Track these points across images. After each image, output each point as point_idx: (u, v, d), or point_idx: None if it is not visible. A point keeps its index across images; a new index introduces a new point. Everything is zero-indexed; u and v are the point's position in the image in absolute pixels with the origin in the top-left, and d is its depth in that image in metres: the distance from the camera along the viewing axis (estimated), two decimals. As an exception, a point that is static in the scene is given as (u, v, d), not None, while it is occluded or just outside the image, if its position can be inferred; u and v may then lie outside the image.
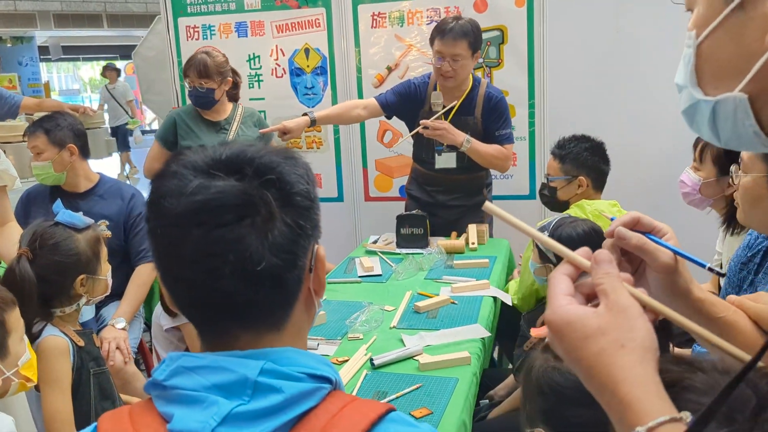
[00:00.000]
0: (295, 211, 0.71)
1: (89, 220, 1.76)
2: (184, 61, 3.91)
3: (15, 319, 1.37)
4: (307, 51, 3.78)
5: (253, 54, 3.85)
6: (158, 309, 2.35)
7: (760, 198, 1.34)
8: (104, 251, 1.77)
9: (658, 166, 3.33)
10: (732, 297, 0.90)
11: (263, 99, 3.89)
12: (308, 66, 3.80)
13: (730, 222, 2.02)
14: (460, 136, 2.81)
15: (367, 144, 3.80)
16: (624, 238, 0.75)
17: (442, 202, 3.08)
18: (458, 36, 2.77)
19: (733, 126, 0.61)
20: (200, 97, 2.99)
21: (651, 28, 3.27)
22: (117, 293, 2.43)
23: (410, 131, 3.02)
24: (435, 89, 2.94)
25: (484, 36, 3.50)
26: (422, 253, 2.78)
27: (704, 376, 0.60)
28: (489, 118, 2.93)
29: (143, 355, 2.81)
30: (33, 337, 1.62)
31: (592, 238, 1.80)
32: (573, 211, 2.43)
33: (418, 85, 3.04)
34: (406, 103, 3.03)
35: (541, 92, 3.49)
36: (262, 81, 3.88)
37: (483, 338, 2.00)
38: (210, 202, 0.68)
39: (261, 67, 3.86)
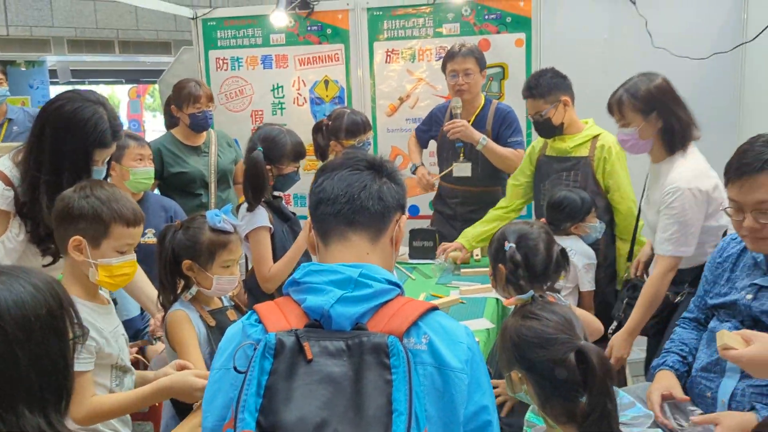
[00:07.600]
0: (391, 183, 1.26)
1: (230, 227, 1.95)
2: (214, 89, 4.31)
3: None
4: (326, 82, 4.18)
5: (277, 84, 4.25)
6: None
7: None
8: (225, 257, 1.92)
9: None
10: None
11: (285, 125, 4.20)
12: (327, 96, 4.19)
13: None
14: (477, 135, 3.19)
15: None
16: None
17: (460, 215, 3.43)
18: (467, 54, 3.26)
19: None
20: (210, 119, 3.39)
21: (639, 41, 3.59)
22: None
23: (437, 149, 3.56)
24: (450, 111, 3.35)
25: (487, 72, 3.90)
26: (432, 263, 3.13)
27: None
28: (500, 128, 3.31)
29: None
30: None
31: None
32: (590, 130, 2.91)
33: (438, 109, 3.54)
34: (432, 124, 3.52)
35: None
36: (284, 108, 4.27)
37: (488, 329, 2.34)
38: (352, 158, 1.27)
39: (284, 96, 4.25)
